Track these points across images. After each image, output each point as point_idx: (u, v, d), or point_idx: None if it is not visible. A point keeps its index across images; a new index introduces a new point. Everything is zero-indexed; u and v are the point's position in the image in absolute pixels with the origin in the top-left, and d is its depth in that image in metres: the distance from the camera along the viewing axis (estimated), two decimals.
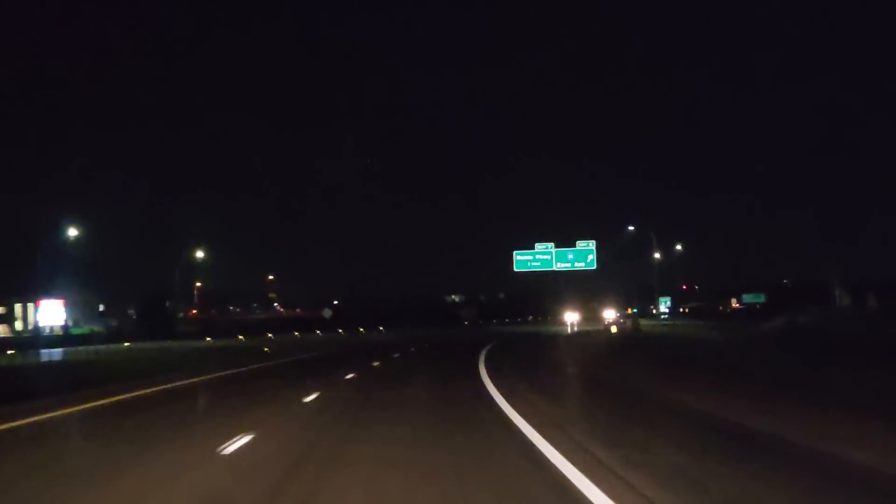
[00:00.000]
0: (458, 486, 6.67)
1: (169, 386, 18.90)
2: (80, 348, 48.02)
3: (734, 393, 13.13)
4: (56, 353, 40.65)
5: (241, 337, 66.53)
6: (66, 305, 71.18)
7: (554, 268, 52.57)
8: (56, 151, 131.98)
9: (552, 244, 52.16)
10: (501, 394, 14.21)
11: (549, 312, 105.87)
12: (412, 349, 37.65)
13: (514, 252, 52.18)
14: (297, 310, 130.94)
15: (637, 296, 79.52)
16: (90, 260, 71.64)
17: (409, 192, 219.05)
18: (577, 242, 52.26)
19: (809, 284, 77.87)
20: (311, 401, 14.29)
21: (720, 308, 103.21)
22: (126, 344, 54.29)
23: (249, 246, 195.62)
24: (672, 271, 75.47)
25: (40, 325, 62.07)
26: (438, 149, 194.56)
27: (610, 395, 14.94)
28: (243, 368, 26.01)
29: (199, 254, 61.04)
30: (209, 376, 22.24)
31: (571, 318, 68.99)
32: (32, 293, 63.02)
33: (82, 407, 14.22)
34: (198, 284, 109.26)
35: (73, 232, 43.41)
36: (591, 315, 78.26)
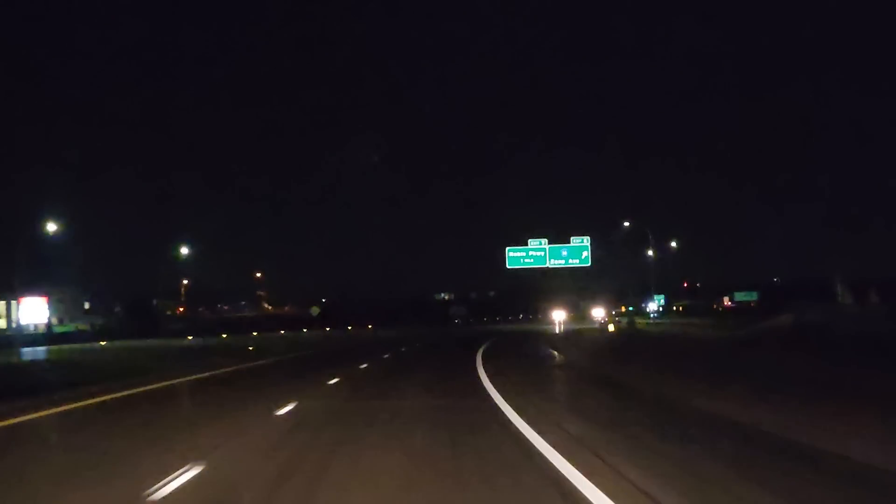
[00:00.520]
0: None
1: (124, 394, 16.72)
2: (61, 347, 45.78)
3: (773, 403, 11.17)
4: (40, 352, 38.61)
5: (224, 335, 64.39)
6: (49, 303, 70.05)
7: (547, 264, 50.97)
8: (43, 146, 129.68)
9: (545, 240, 50.58)
10: (524, 419, 10.77)
11: (540, 310, 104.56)
12: (403, 349, 36.10)
13: (507, 248, 50.61)
14: (286, 307, 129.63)
15: (633, 293, 77.92)
16: (76, 257, 70.25)
17: (400, 189, 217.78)
18: (572, 238, 50.64)
19: (804, 282, 76.77)
20: (284, 414, 12.33)
21: (714, 306, 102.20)
22: (102, 343, 51.98)
23: (239, 244, 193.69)
24: (668, 268, 73.89)
25: (22, 322, 60.45)
26: (429, 144, 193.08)
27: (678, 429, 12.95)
28: (219, 371, 24.05)
29: (186, 251, 59.01)
30: (176, 381, 20.27)
31: (559, 316, 67.43)
32: (14, 290, 60.99)
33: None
34: (185, 282, 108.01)
35: (53, 227, 41.25)
36: (582, 313, 76.67)
